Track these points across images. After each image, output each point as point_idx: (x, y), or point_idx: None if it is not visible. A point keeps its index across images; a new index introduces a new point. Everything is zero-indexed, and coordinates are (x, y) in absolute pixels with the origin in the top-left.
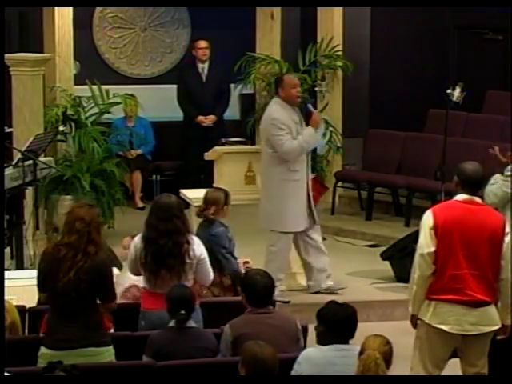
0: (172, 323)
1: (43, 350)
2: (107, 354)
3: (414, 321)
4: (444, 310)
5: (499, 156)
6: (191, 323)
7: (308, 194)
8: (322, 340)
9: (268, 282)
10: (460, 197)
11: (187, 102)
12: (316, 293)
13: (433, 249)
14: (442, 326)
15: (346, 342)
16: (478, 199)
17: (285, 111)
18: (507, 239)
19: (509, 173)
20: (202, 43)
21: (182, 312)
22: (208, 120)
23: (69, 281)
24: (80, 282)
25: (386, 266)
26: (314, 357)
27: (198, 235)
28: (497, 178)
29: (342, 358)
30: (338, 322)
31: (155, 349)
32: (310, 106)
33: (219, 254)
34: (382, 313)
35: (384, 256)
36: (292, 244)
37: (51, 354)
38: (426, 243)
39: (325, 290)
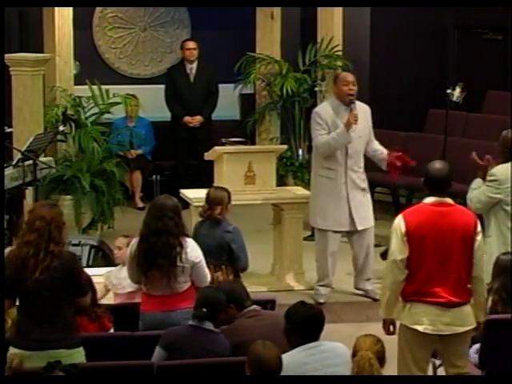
0: (192, 321)
1: (12, 350)
2: (77, 356)
3: (387, 325)
4: (418, 310)
5: (477, 160)
6: (210, 326)
7: (348, 196)
8: (289, 340)
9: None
10: (429, 199)
11: (174, 102)
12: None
13: (406, 255)
14: (417, 327)
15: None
16: (448, 200)
17: (331, 108)
18: (479, 238)
19: (491, 178)
20: (191, 44)
21: (204, 310)
22: (195, 121)
23: (37, 280)
24: (53, 280)
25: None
26: (284, 363)
27: (200, 234)
28: (478, 182)
29: (311, 356)
30: (299, 321)
31: (169, 341)
32: (352, 105)
33: (238, 247)
34: None
35: (384, 256)
36: (330, 245)
37: (22, 354)
38: (398, 249)
39: (361, 291)
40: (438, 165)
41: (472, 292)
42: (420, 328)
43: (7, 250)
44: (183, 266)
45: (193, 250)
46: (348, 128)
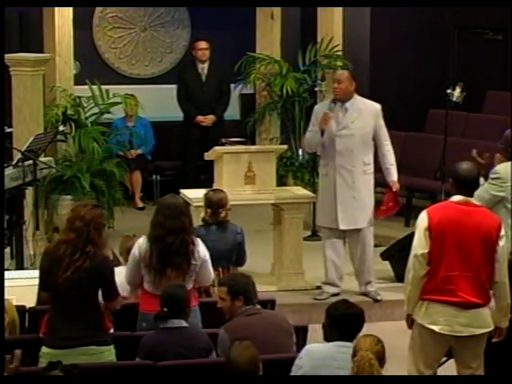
0: (161, 324)
1: (44, 349)
2: (108, 354)
3: (410, 320)
4: (435, 310)
5: (477, 158)
6: (182, 323)
7: (335, 193)
8: (326, 335)
9: (252, 281)
10: (455, 198)
11: (187, 101)
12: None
13: (426, 250)
14: (433, 327)
15: (349, 341)
16: (474, 200)
17: (328, 105)
18: (502, 242)
19: (495, 175)
20: (202, 44)
21: (165, 309)
22: (207, 120)
23: (67, 279)
24: (81, 280)
25: (386, 266)
26: (314, 351)
27: (208, 240)
28: (481, 181)
29: (341, 354)
30: (337, 318)
31: (146, 350)
32: (331, 104)
33: (245, 247)
34: (382, 313)
35: (384, 256)
36: (325, 242)
37: (53, 353)
38: (419, 244)
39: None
40: (466, 165)
41: (495, 297)
42: (436, 328)
43: (7, 249)
44: (195, 264)
45: (202, 248)
46: (320, 127)
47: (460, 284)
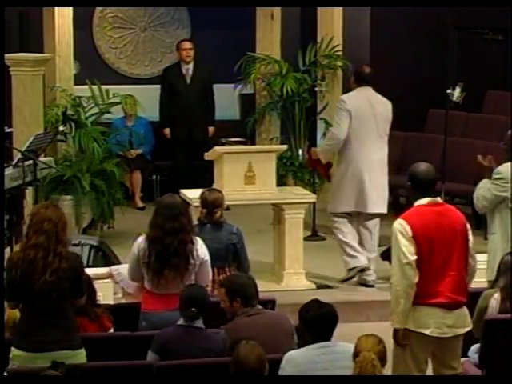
0: (181, 321)
1: (16, 351)
2: (80, 357)
3: (400, 335)
4: (423, 313)
5: (483, 162)
6: (200, 324)
7: None
8: (302, 337)
9: (253, 281)
10: (423, 201)
11: (167, 109)
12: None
13: (416, 256)
14: (423, 330)
15: (326, 340)
16: (439, 199)
17: None
18: (471, 235)
19: (498, 176)
20: (187, 44)
21: (193, 309)
22: (166, 134)
23: (46, 282)
24: (61, 282)
25: (386, 266)
26: (295, 358)
27: (205, 237)
28: (486, 182)
29: (321, 355)
30: (309, 319)
31: (161, 344)
32: None
33: (242, 248)
34: (381, 313)
35: (384, 256)
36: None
37: (25, 356)
38: (408, 251)
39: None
40: (423, 166)
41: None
42: (427, 331)
43: (7, 249)
44: (194, 264)
45: (202, 248)
46: None
47: (446, 284)
